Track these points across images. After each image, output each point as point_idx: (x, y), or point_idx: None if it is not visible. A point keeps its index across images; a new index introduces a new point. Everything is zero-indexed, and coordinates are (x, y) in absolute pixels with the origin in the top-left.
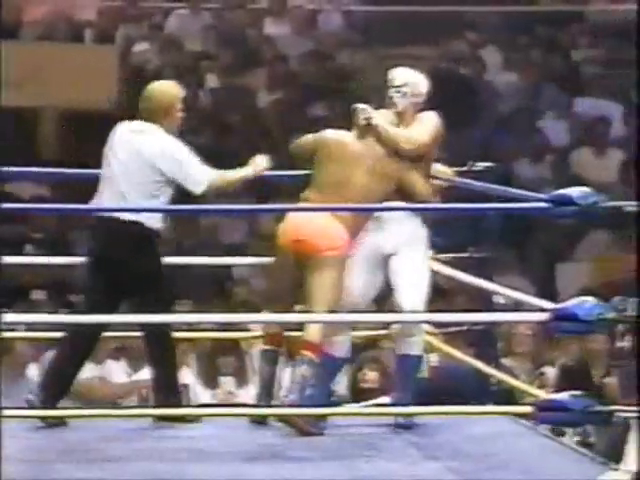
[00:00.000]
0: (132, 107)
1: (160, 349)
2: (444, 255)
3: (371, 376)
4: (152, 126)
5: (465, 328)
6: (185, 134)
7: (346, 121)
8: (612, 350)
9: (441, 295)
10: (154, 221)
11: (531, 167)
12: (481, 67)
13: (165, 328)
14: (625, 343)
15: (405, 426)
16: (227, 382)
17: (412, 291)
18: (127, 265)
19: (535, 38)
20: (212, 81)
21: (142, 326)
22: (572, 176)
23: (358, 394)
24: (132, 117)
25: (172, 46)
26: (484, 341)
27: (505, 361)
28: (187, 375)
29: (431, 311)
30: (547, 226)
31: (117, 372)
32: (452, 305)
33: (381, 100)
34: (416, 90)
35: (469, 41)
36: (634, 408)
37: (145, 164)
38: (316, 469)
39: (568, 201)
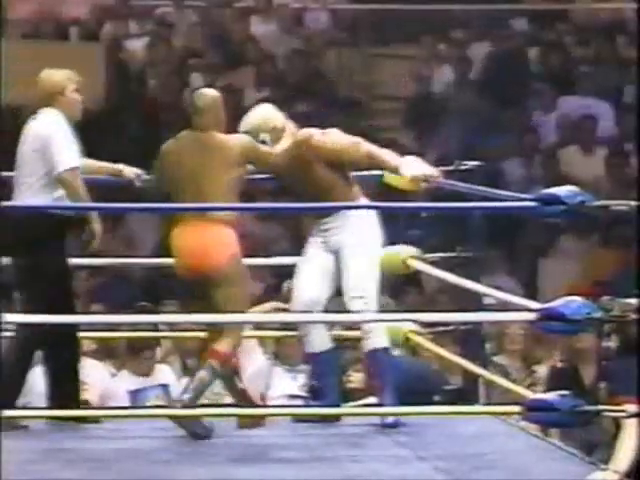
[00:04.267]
0: (118, 105)
1: (63, 349)
2: (432, 255)
3: (356, 377)
4: (45, 110)
5: (452, 328)
6: (170, 132)
7: (331, 119)
8: (599, 349)
9: (427, 294)
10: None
11: (519, 166)
12: (467, 65)
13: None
14: (611, 343)
15: (391, 425)
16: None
17: (361, 291)
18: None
19: (521, 36)
20: (197, 80)
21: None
22: (560, 175)
23: (344, 395)
24: (118, 115)
25: (158, 44)
26: (472, 341)
27: (497, 359)
28: (168, 375)
29: (417, 311)
30: (533, 225)
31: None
32: (439, 305)
33: (369, 99)
34: (270, 125)
35: (455, 39)
36: (621, 408)
37: (29, 150)
38: (303, 470)
39: (555, 200)
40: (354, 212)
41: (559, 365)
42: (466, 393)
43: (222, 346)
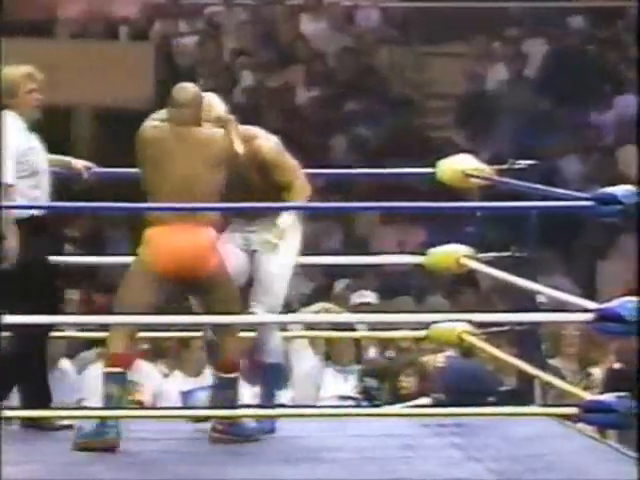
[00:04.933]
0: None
1: (31, 351)
2: (486, 254)
3: (408, 381)
4: (5, 113)
5: (507, 328)
6: None
7: (383, 118)
8: None
9: (482, 294)
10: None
11: (576, 164)
12: (522, 63)
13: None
14: None
15: (269, 431)
16: None
17: (268, 294)
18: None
19: (577, 34)
20: (248, 78)
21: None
22: (617, 174)
23: (398, 398)
24: None
25: (208, 43)
26: (527, 342)
27: (552, 362)
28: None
29: (472, 311)
30: (592, 225)
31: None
32: (494, 305)
33: (421, 97)
34: (213, 114)
35: (509, 37)
36: None
37: None
38: (353, 471)
39: (612, 200)
40: (281, 217)
41: (616, 367)
42: (521, 394)
43: (116, 347)
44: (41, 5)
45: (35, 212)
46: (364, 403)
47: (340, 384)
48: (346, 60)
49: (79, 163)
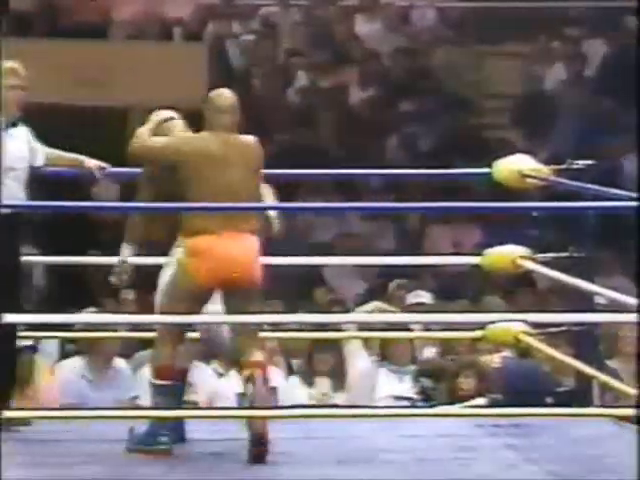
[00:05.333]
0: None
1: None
2: (543, 255)
3: (466, 382)
4: None
5: (565, 328)
6: (274, 132)
7: (438, 118)
8: None
9: (539, 295)
10: None
11: (638, 164)
12: (581, 63)
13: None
14: None
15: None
16: (322, 383)
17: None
18: None
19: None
20: (302, 79)
21: None
22: None
23: (455, 399)
24: None
25: (262, 43)
26: (585, 342)
27: (610, 362)
28: (275, 376)
29: (529, 311)
30: None
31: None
32: (552, 305)
33: (477, 97)
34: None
35: (568, 37)
36: None
37: None
38: (407, 472)
39: None
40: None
41: None
42: (578, 395)
43: (259, 355)
44: (96, 7)
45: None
46: (419, 403)
47: (395, 384)
48: (401, 60)
49: (92, 163)
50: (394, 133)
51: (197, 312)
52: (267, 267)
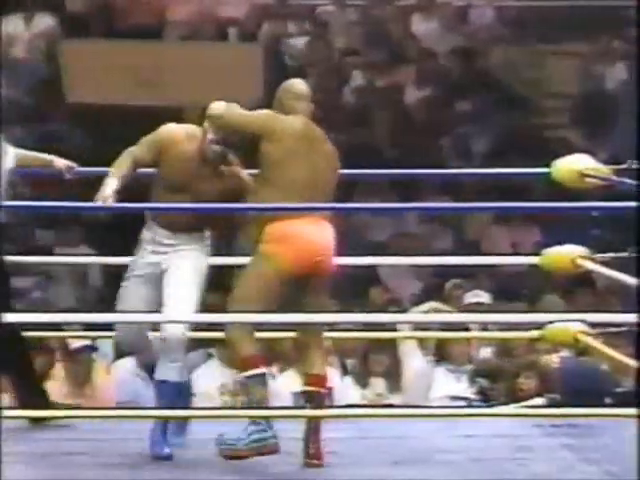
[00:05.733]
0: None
1: (11, 351)
2: (602, 255)
3: (527, 382)
4: None
5: (625, 329)
6: (330, 131)
7: (496, 117)
8: None
9: (599, 295)
10: None
11: None
12: None
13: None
14: None
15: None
16: (377, 384)
17: (175, 310)
18: None
19: None
20: (357, 78)
21: None
22: None
23: (514, 399)
24: None
25: (316, 43)
26: None
27: None
28: (332, 376)
29: (588, 311)
30: None
31: None
32: (612, 305)
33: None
34: None
35: (629, 36)
36: None
37: None
38: (463, 472)
39: None
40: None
41: None
42: (638, 395)
43: (322, 365)
44: (151, 8)
45: None
46: (476, 403)
47: (452, 384)
48: (458, 59)
49: (60, 162)
50: (450, 133)
51: (279, 303)
52: None
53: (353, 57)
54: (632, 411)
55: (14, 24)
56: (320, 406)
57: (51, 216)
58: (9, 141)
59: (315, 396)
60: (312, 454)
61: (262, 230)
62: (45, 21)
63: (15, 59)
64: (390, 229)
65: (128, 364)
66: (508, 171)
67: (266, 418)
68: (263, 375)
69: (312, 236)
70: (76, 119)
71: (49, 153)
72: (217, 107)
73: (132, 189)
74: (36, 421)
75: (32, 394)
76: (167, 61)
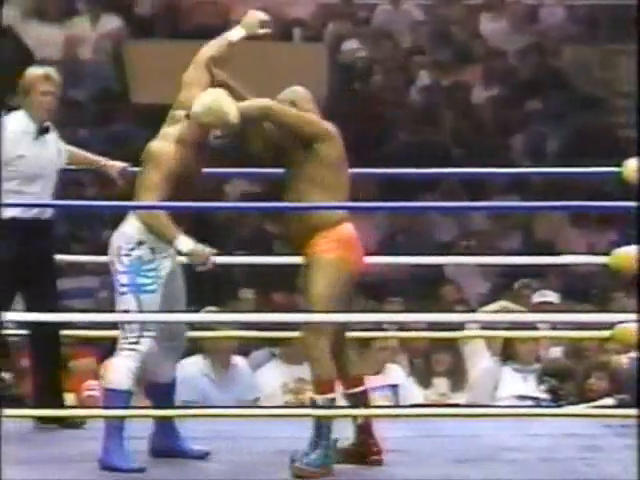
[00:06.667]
0: (342, 105)
1: (47, 350)
2: None
3: (599, 383)
4: (17, 112)
5: None
6: (396, 131)
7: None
8: None
9: None
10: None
11: None
12: None
13: (54, 327)
14: None
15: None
16: (440, 383)
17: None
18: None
19: None
20: (424, 77)
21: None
22: None
23: (583, 399)
24: (341, 116)
25: (382, 43)
26: None
27: None
28: (398, 375)
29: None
30: None
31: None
32: None
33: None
34: None
35: None
36: None
37: None
38: (531, 471)
39: None
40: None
41: None
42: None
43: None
44: (215, 9)
45: (24, 214)
46: (544, 403)
47: (519, 384)
48: (528, 59)
49: (109, 163)
50: (520, 132)
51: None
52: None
53: (419, 56)
54: (632, 411)
55: (81, 25)
56: (366, 404)
57: (118, 216)
58: (73, 142)
59: (360, 397)
60: (373, 451)
61: (314, 234)
62: (111, 22)
63: (81, 60)
64: (457, 228)
65: (195, 362)
66: (578, 170)
67: (330, 418)
68: (334, 399)
69: (358, 240)
70: (141, 120)
71: (114, 154)
72: (258, 102)
73: None
74: (46, 422)
75: (51, 397)
76: (232, 61)
